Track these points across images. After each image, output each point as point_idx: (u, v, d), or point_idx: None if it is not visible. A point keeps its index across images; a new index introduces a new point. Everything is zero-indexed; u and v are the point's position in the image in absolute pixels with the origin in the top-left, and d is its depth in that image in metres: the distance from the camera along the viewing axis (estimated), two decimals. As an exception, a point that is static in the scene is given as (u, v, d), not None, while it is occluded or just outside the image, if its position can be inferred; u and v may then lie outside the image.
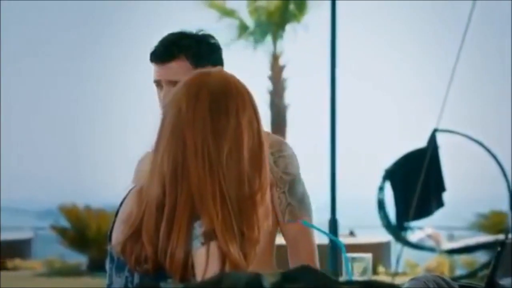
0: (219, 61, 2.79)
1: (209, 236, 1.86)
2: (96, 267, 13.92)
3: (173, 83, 2.66)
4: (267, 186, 1.96)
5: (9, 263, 15.02)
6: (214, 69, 2.03)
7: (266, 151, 2.00)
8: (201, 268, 1.85)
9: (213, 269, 1.84)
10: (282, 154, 2.75)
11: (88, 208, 14.96)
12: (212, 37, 2.79)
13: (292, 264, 2.81)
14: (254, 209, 1.92)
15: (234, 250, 1.86)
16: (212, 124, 1.92)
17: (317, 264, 2.70)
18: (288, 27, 18.84)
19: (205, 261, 1.85)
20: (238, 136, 1.93)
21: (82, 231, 14.66)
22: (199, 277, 1.86)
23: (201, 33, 2.77)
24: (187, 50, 2.70)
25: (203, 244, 1.86)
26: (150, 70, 2.78)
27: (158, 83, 2.72)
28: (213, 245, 1.86)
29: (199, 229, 1.87)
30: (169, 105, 1.98)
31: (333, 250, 10.90)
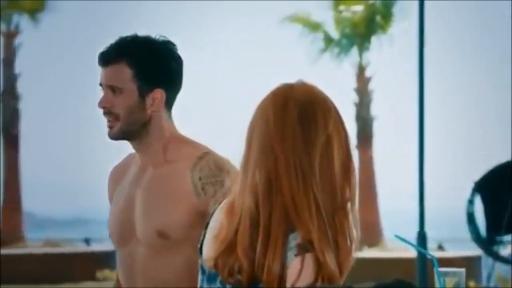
0: (172, 73, 2.54)
1: (304, 248, 1.85)
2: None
3: (111, 88, 2.51)
4: (356, 195, 1.95)
5: (99, 274, 15.29)
6: (296, 81, 2.01)
7: (354, 160, 1.98)
8: (292, 279, 1.84)
9: (306, 280, 1.83)
10: (215, 180, 2.49)
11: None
12: (170, 44, 2.55)
13: None
14: (346, 219, 1.91)
15: (330, 261, 1.85)
16: (302, 134, 1.92)
17: None
18: (374, 38, 18.71)
19: (298, 272, 1.83)
20: (328, 145, 1.92)
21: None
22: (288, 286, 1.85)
23: (160, 38, 2.54)
24: (129, 55, 2.51)
25: (296, 255, 1.85)
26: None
27: (101, 86, 2.55)
28: (308, 257, 1.84)
29: (293, 241, 1.86)
30: (255, 118, 1.97)
31: (422, 264, 10.71)
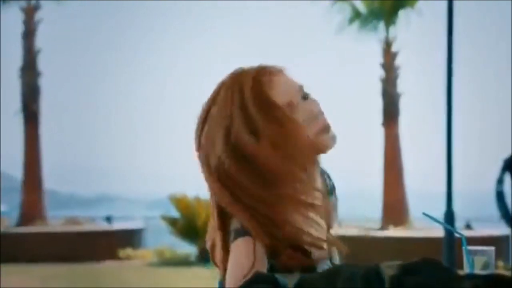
0: None
1: (236, 233, 1.89)
2: (205, 257, 13.88)
3: None
4: (291, 172, 1.91)
5: (122, 253, 15.20)
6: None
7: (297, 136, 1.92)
8: (229, 265, 1.87)
9: (242, 265, 1.83)
10: None
11: (197, 198, 14.94)
12: None
13: None
14: (280, 201, 1.89)
15: (264, 236, 1.85)
16: (217, 139, 1.95)
17: None
18: (401, 13, 18.37)
19: (232, 259, 1.86)
20: (232, 125, 1.92)
21: (192, 221, 14.67)
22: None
23: None
24: None
25: (232, 241, 1.89)
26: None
27: None
28: (240, 241, 1.86)
29: (232, 225, 1.91)
30: None
31: (449, 243, 10.47)
